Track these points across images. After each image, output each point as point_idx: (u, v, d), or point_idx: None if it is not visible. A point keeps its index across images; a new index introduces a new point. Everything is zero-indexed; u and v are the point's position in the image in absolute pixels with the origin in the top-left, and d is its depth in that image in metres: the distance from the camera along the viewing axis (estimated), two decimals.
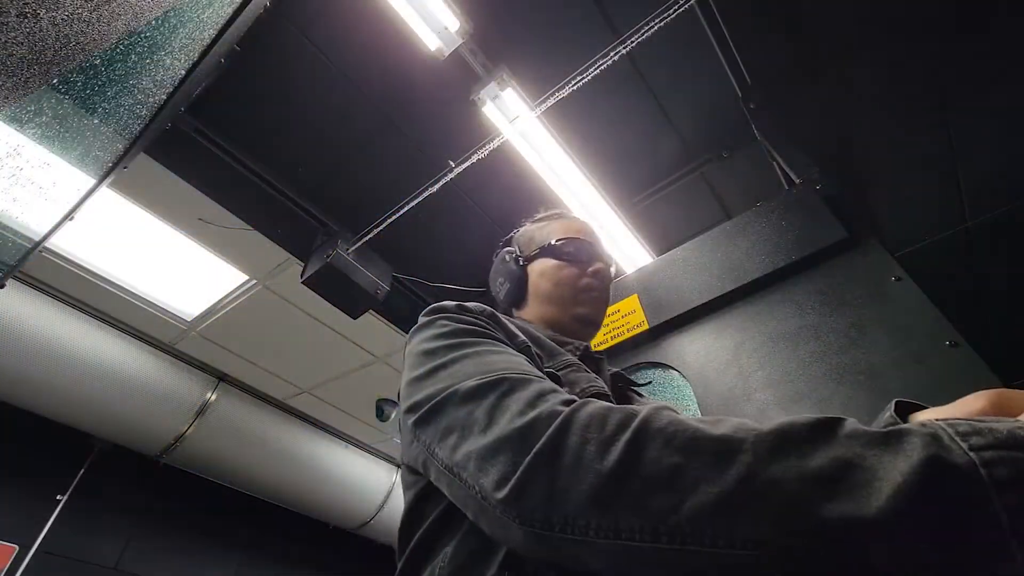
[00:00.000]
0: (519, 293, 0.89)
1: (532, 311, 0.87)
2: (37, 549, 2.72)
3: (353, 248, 2.09)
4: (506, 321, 0.68)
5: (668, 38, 1.57)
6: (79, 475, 2.99)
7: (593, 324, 0.85)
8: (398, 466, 3.92)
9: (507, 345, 0.62)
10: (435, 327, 0.63)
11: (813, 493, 0.31)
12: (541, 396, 0.46)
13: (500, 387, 0.49)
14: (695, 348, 1.37)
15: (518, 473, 0.40)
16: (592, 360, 0.76)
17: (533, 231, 0.95)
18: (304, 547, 3.85)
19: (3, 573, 2.62)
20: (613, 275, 0.92)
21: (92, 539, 2.94)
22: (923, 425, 0.32)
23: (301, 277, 2.11)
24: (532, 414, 0.43)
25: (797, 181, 1.47)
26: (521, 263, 0.90)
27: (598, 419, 0.41)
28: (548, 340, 0.72)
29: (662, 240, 2.39)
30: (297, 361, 3.10)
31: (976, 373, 0.94)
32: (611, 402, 0.56)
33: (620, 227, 2.18)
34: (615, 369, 0.80)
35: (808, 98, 1.94)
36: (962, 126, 1.97)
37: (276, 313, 2.77)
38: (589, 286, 0.86)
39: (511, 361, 0.56)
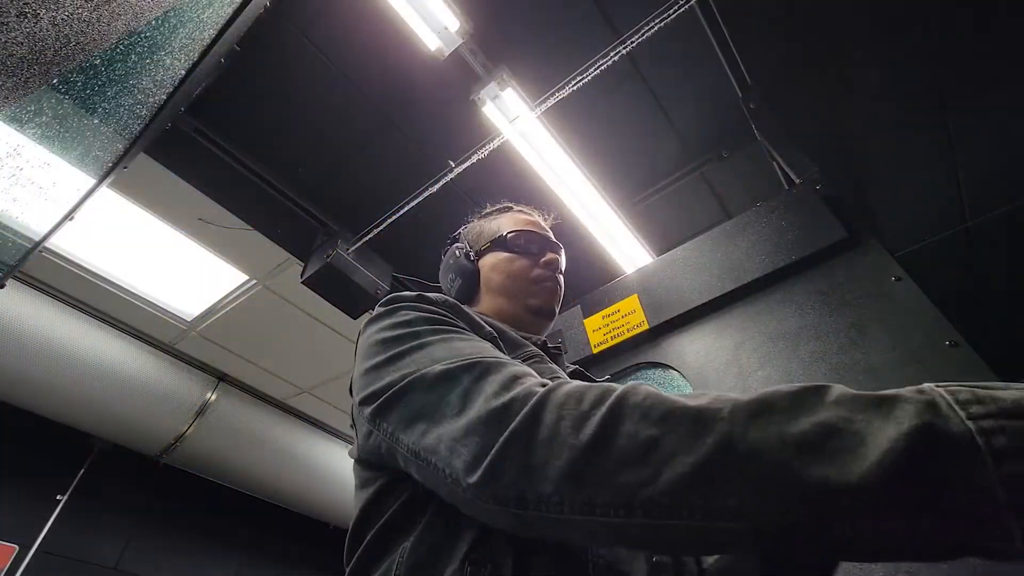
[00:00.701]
0: (471, 288, 0.88)
1: (485, 305, 0.86)
2: (37, 549, 2.71)
3: (353, 248, 2.09)
4: (469, 312, 0.67)
5: (668, 38, 1.57)
6: (79, 475, 2.99)
7: (547, 315, 0.85)
8: None
9: (472, 334, 0.61)
10: (395, 316, 0.61)
11: (794, 459, 0.29)
12: (516, 379, 0.45)
13: (473, 371, 0.47)
14: (695, 348, 1.37)
15: (491, 453, 0.39)
16: (551, 354, 0.76)
17: (482, 226, 0.94)
18: (304, 547, 3.85)
19: (3, 573, 2.62)
20: (565, 265, 0.92)
21: (92, 539, 2.94)
22: (920, 392, 0.30)
23: (301, 277, 2.11)
24: (508, 396, 0.42)
25: (797, 181, 1.47)
26: (472, 258, 0.89)
27: (575, 396, 0.40)
28: (511, 332, 0.72)
29: (662, 240, 2.39)
30: (297, 361, 3.10)
31: (976, 373, 0.94)
32: None
33: (620, 227, 2.18)
34: (573, 366, 0.80)
35: (808, 98, 1.94)
36: (962, 126, 1.97)
37: (276, 313, 2.77)
38: (541, 277, 0.85)
39: (479, 347, 0.55)
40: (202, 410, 2.94)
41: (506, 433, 0.39)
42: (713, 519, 0.31)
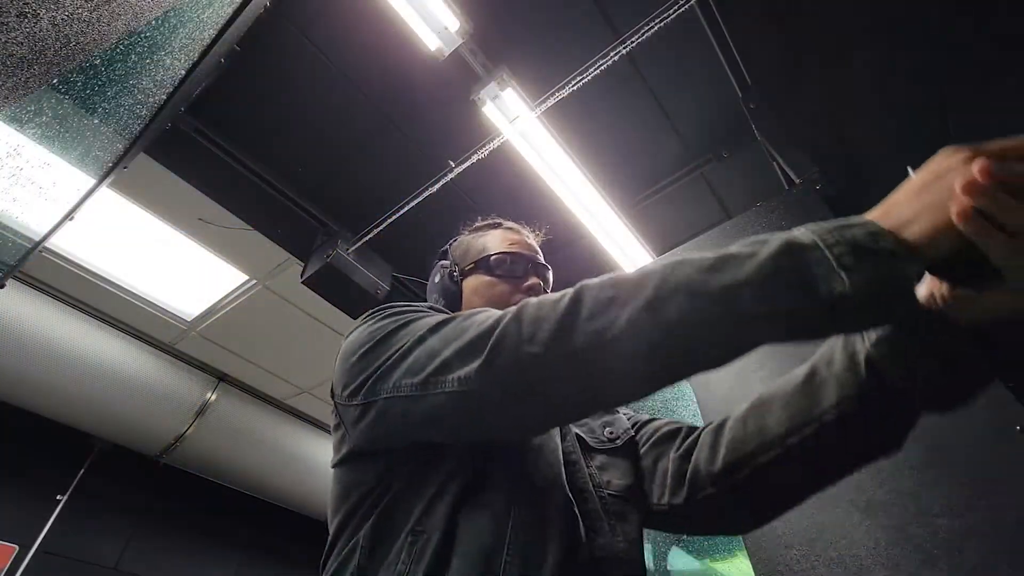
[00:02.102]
0: (454, 311, 0.85)
1: None
2: (37, 549, 2.72)
3: (353, 248, 2.09)
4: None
5: (668, 38, 1.57)
6: (79, 475, 2.99)
7: None
8: None
9: None
10: (372, 318, 0.67)
11: (705, 276, 0.43)
12: (498, 315, 0.54)
13: (459, 316, 0.56)
14: None
15: (489, 344, 0.49)
16: None
17: (469, 242, 0.90)
18: (304, 547, 3.85)
19: (3, 573, 2.62)
20: (553, 282, 0.89)
21: (92, 539, 2.94)
22: (791, 231, 0.44)
23: (301, 277, 2.11)
24: (495, 316, 0.52)
25: (797, 181, 1.48)
26: (455, 278, 0.86)
27: (545, 297, 0.51)
28: None
29: (662, 240, 2.39)
30: (297, 361, 3.10)
31: None
32: (557, 432, 0.67)
33: (620, 227, 2.18)
34: None
35: (808, 98, 1.95)
36: (962, 126, 1.97)
37: (276, 313, 2.77)
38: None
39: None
40: (202, 410, 2.94)
41: (498, 330, 0.49)
42: (663, 332, 0.43)
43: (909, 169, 0.46)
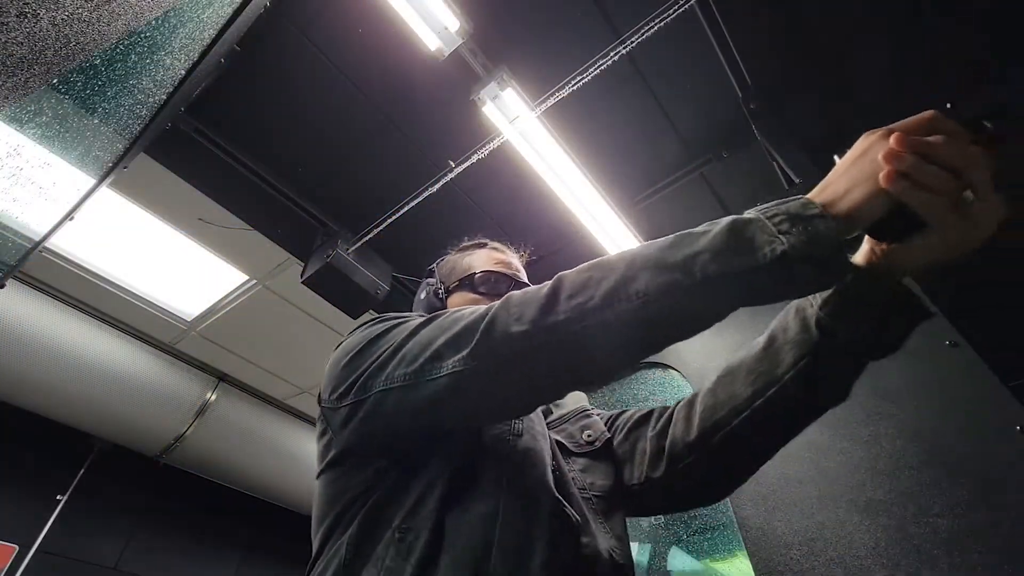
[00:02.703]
0: None
1: None
2: (37, 549, 2.72)
3: (353, 248, 2.09)
4: None
5: (668, 38, 1.57)
6: (79, 475, 2.99)
7: None
8: None
9: None
10: (361, 329, 0.69)
11: (666, 252, 0.49)
12: (485, 307, 0.57)
13: (447, 312, 0.59)
14: (695, 348, 1.37)
15: (480, 328, 0.52)
16: None
17: (455, 261, 0.94)
18: (304, 547, 3.83)
19: (3, 573, 2.62)
20: None
21: (92, 539, 2.94)
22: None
23: (301, 277, 2.11)
24: (483, 309, 0.55)
25: (797, 181, 1.48)
26: (440, 296, 0.90)
27: (527, 288, 0.55)
28: None
29: None
30: (297, 361, 3.10)
31: (976, 373, 0.94)
32: (544, 438, 0.68)
33: (620, 227, 2.17)
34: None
35: (808, 98, 1.94)
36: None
37: (276, 313, 2.77)
38: None
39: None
40: (202, 410, 2.94)
41: (488, 317, 0.53)
42: (632, 300, 0.48)
43: (836, 157, 0.51)
